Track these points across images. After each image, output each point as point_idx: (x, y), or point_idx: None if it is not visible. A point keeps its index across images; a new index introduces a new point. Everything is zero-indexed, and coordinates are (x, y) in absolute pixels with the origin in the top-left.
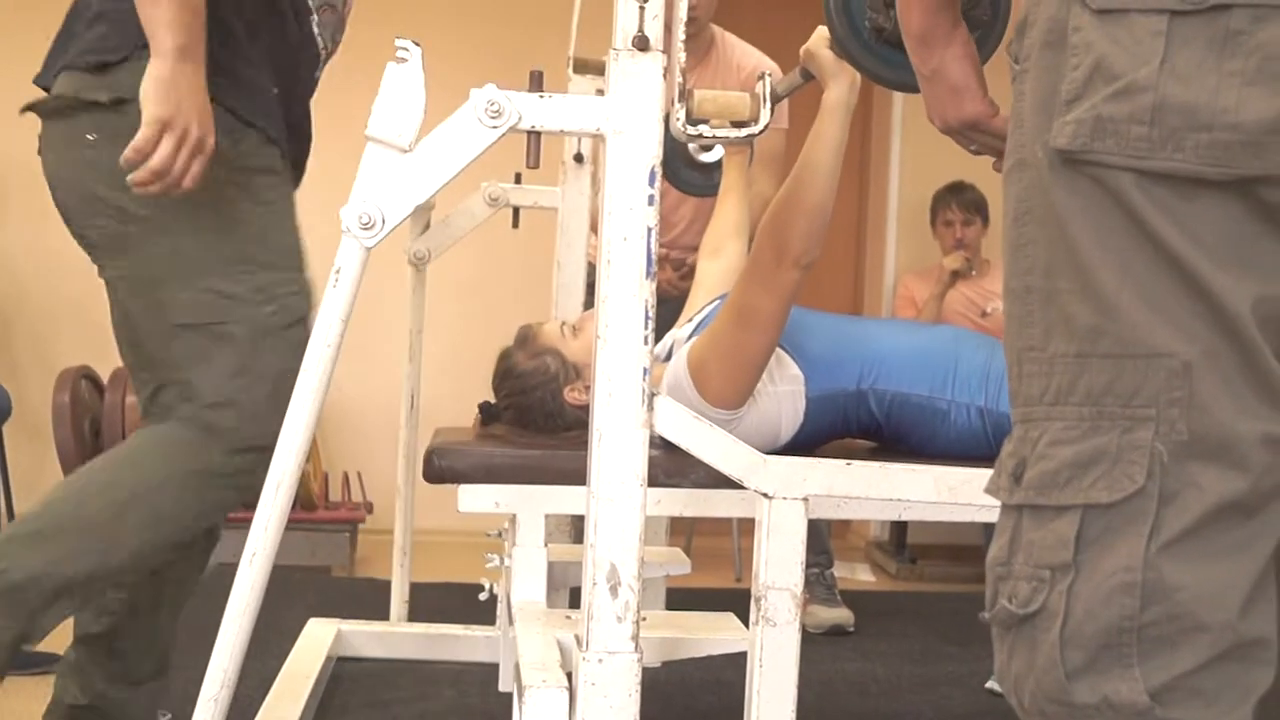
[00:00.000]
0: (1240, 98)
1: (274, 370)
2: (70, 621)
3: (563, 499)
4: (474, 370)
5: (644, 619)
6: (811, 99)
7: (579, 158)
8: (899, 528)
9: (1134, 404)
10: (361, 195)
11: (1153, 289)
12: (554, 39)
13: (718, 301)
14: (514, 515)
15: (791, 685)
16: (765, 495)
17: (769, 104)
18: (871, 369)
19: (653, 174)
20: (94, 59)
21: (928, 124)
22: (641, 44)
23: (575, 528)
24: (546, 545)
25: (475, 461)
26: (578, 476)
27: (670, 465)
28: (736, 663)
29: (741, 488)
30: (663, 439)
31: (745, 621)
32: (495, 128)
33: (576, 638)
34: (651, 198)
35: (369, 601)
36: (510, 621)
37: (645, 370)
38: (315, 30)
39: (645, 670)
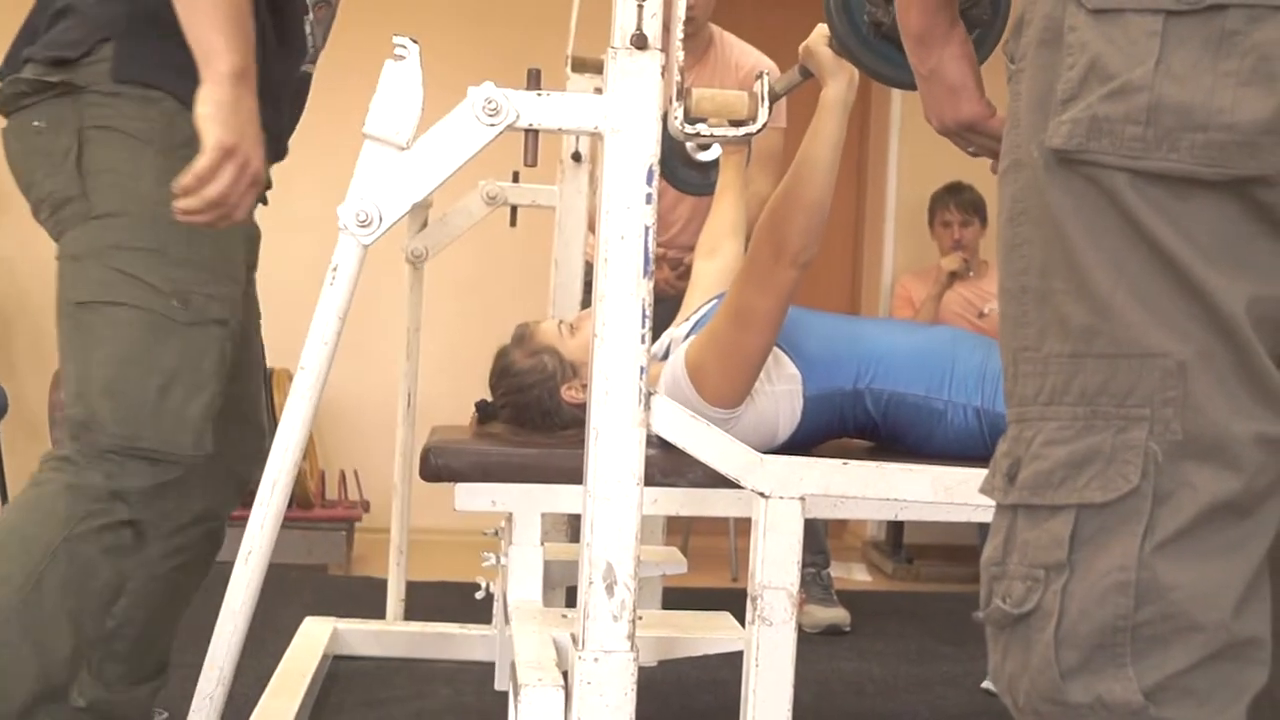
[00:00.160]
0: (1236, 98)
1: (167, 366)
2: None
3: (559, 498)
4: (471, 369)
5: (640, 618)
6: (810, 98)
7: (577, 156)
8: (895, 528)
9: (1128, 404)
10: (359, 193)
11: (1147, 289)
12: (552, 37)
13: (715, 300)
14: (510, 514)
15: (788, 685)
16: (762, 495)
17: (767, 103)
18: (869, 369)
19: (650, 172)
20: (53, 54)
21: (926, 124)
22: (640, 42)
23: (572, 527)
24: (543, 544)
25: (472, 460)
26: (574, 475)
27: (667, 464)
28: (733, 662)
29: (738, 487)
30: (660, 438)
31: (741, 621)
32: (493, 126)
33: (573, 637)
34: (649, 196)
35: (365, 600)
36: (506, 620)
37: (642, 369)
38: (308, 30)
39: (641, 669)
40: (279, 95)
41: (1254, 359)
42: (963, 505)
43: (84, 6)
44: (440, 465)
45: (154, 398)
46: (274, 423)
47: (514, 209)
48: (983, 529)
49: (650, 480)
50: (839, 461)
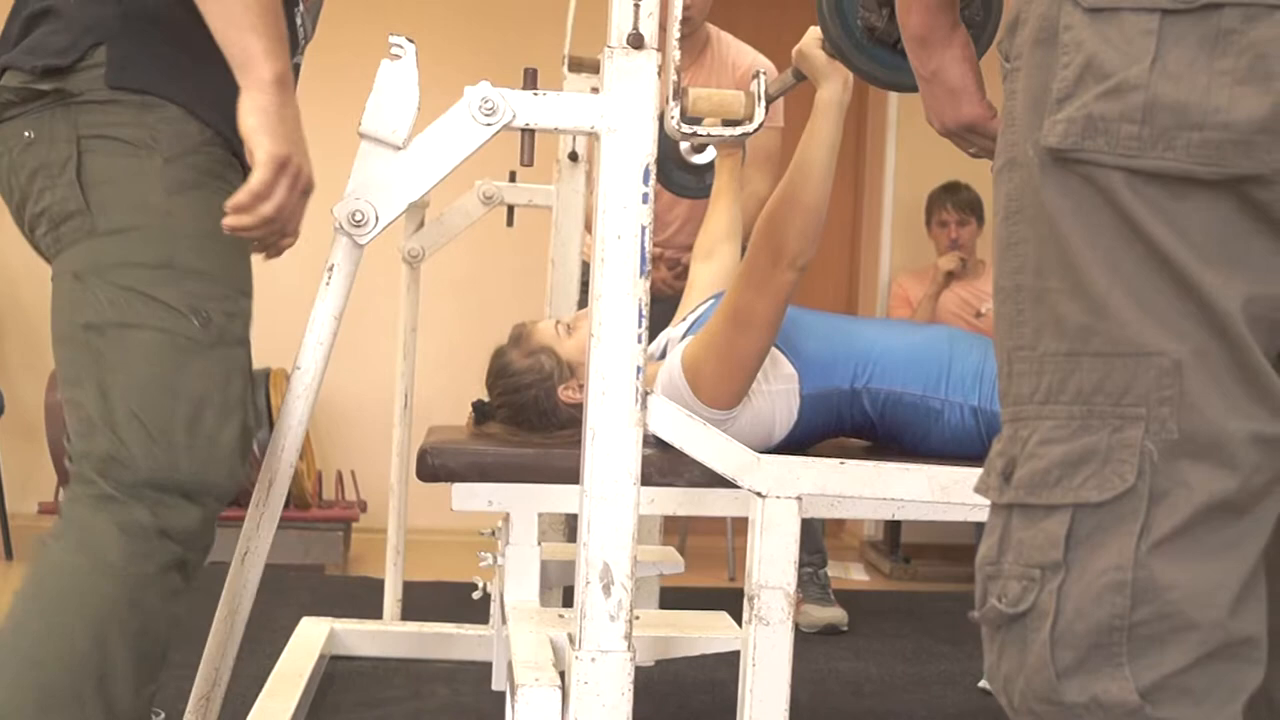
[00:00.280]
0: (1231, 96)
1: (194, 393)
2: None
3: (556, 498)
4: (468, 369)
5: (637, 618)
6: (806, 98)
7: (574, 156)
8: (893, 527)
9: (1124, 403)
10: (354, 192)
11: (1143, 288)
12: (549, 37)
13: (713, 300)
14: (507, 514)
15: (785, 684)
16: (759, 494)
17: (764, 102)
18: (865, 368)
19: (647, 172)
20: (42, 62)
21: (923, 124)
22: (636, 42)
23: (569, 526)
24: (540, 544)
25: (469, 460)
26: (571, 475)
27: (664, 464)
28: (730, 662)
29: (735, 487)
30: (656, 438)
31: (738, 620)
32: (489, 125)
33: (570, 636)
34: (646, 196)
35: (362, 600)
36: (503, 620)
37: (639, 369)
38: (299, 21)
39: (638, 669)
40: None
41: (1250, 358)
42: (960, 505)
43: (65, 8)
44: (437, 465)
45: (184, 427)
46: (271, 423)
47: (511, 209)
48: (979, 528)
49: (647, 480)
50: (836, 461)
